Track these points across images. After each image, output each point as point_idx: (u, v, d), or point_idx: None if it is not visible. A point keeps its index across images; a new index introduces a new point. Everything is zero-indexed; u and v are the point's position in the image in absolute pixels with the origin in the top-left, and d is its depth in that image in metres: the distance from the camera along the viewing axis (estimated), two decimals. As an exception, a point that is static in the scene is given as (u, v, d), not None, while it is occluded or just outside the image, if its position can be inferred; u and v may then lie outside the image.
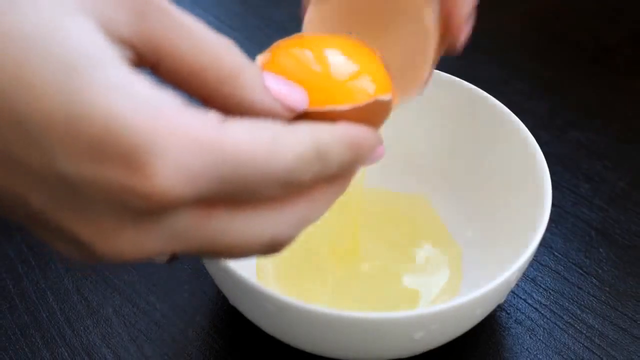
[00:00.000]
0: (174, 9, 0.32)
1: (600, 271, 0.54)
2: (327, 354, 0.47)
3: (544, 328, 0.52)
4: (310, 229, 0.35)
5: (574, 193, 0.59)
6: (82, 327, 0.51)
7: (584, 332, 0.51)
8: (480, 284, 0.51)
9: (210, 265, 0.46)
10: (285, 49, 0.37)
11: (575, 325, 0.52)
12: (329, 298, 0.51)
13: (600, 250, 0.56)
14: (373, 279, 0.52)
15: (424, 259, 0.53)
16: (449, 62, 0.69)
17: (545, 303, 0.53)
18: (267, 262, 0.53)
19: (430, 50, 0.42)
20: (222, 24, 0.72)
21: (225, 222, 0.32)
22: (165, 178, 0.29)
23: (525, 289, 0.53)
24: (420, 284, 0.52)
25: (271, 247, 0.34)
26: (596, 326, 0.52)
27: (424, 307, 0.48)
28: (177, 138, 0.29)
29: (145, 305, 0.52)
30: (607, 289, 0.54)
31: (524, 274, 0.52)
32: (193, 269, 0.54)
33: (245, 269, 0.52)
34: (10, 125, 0.29)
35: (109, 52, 0.30)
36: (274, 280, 0.52)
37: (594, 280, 0.54)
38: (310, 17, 0.43)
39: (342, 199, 0.36)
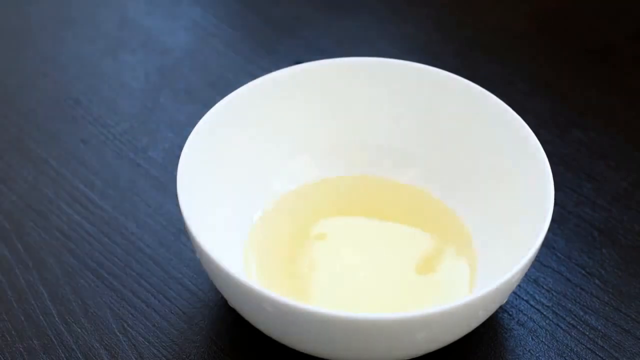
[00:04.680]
0: None
1: (603, 272, 0.54)
2: (328, 355, 0.47)
3: (546, 330, 0.51)
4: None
5: (576, 193, 0.58)
6: (79, 329, 0.51)
7: (587, 333, 0.51)
8: (482, 284, 0.50)
9: (209, 267, 0.46)
10: None
11: (578, 327, 0.51)
12: (331, 298, 0.51)
13: (603, 250, 0.55)
14: (379, 278, 0.52)
15: (439, 254, 0.53)
16: (450, 61, 0.69)
17: (547, 304, 0.52)
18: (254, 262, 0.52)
19: None
20: (221, 22, 0.71)
21: None
22: None
23: (528, 290, 0.53)
24: (434, 281, 0.52)
25: None
26: (599, 328, 0.51)
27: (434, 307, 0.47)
28: None
29: (143, 307, 0.52)
30: (611, 290, 0.53)
31: (526, 275, 0.52)
32: (192, 271, 0.54)
33: (240, 269, 0.51)
34: None
35: None
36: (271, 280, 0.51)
37: (597, 282, 0.54)
38: None
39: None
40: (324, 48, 0.69)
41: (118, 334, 0.51)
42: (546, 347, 0.50)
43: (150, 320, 0.51)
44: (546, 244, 0.55)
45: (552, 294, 0.53)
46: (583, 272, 0.54)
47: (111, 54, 0.68)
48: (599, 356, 0.50)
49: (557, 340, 0.51)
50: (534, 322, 0.52)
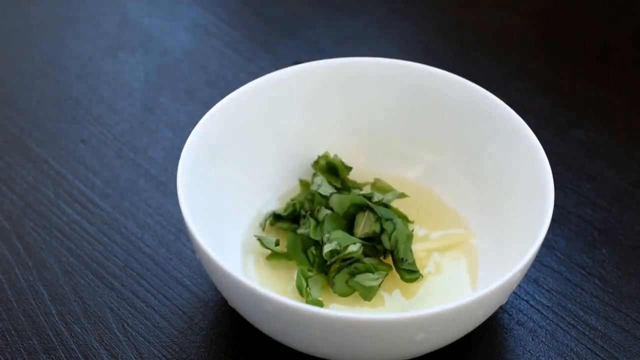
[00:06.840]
0: None
1: (603, 272, 0.54)
2: (327, 355, 0.47)
3: (546, 330, 0.51)
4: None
5: (576, 193, 0.58)
6: (79, 329, 0.51)
7: (587, 333, 0.51)
8: (482, 284, 0.50)
9: (209, 267, 0.46)
10: None
11: (578, 327, 0.51)
12: (331, 298, 0.51)
13: (603, 250, 0.55)
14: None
15: (439, 254, 0.53)
16: (451, 61, 0.69)
17: (547, 304, 0.52)
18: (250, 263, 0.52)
19: None
20: (222, 22, 0.71)
21: None
22: None
23: (528, 290, 0.53)
24: (434, 281, 0.52)
25: None
26: (599, 328, 0.51)
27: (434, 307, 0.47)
28: None
29: (143, 307, 0.52)
30: (610, 290, 0.53)
31: (526, 275, 0.52)
32: (192, 271, 0.54)
33: (239, 269, 0.51)
34: None
35: None
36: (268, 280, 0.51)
37: (597, 281, 0.54)
38: None
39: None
40: (324, 48, 0.69)
41: (118, 334, 0.51)
42: (546, 347, 0.50)
43: (150, 320, 0.51)
44: (546, 244, 0.55)
45: (552, 294, 0.53)
46: (583, 272, 0.54)
47: (111, 54, 0.68)
48: (599, 356, 0.50)
49: (557, 340, 0.51)
50: (534, 322, 0.52)
